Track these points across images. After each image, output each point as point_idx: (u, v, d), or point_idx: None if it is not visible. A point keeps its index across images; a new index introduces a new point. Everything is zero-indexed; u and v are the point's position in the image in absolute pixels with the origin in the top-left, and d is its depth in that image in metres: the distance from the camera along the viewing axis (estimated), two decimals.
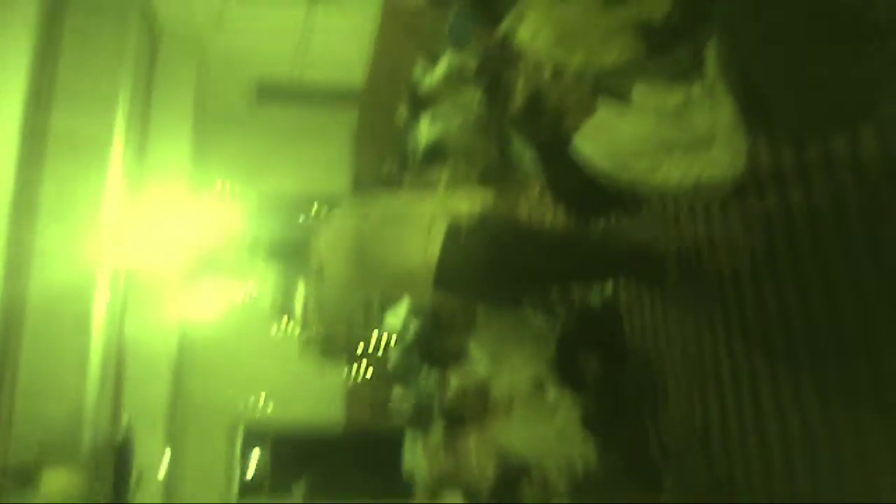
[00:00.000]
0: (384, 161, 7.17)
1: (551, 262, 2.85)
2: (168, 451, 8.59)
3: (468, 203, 2.83)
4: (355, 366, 6.32)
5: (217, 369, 9.36)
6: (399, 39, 7.52)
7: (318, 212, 3.17)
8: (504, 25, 2.92)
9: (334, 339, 5.88)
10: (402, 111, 5.91)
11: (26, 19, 6.62)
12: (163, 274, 8.30)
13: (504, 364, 3.91)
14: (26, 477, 6.09)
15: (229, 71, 10.17)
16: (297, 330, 5.75)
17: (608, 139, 2.35)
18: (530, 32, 2.64)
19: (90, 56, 7.38)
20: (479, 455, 4.21)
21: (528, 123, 2.93)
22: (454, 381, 4.64)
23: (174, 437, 8.88)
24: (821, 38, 1.81)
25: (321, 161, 10.49)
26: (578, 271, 3.04)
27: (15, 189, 6.42)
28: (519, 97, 2.99)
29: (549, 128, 2.63)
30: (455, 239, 2.70)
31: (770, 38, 1.92)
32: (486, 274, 2.79)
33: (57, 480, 6.18)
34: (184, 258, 8.44)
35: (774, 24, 1.89)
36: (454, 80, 5.06)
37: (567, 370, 3.60)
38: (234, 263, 8.13)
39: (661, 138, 2.26)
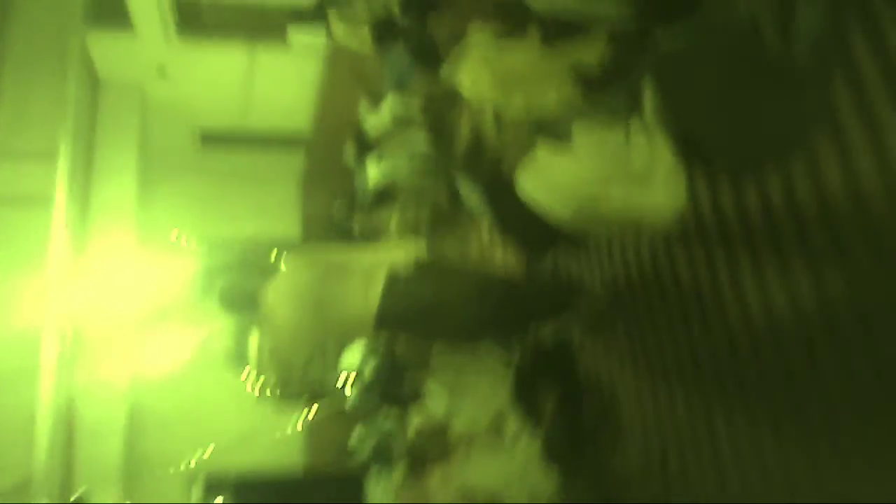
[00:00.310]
0: (333, 204, 7.18)
1: (488, 307, 2.93)
2: None
3: (406, 252, 2.91)
4: (313, 408, 6.26)
5: (172, 419, 9.15)
6: (344, 82, 7.57)
7: (270, 258, 3.19)
8: (444, 70, 2.99)
9: (290, 384, 5.82)
10: (350, 153, 5.95)
11: None
12: (112, 326, 8.14)
13: (464, 399, 3.94)
14: None
15: (173, 118, 10.06)
16: (252, 376, 5.68)
17: (548, 176, 2.41)
18: (470, 77, 2.72)
19: (29, 108, 7.28)
20: (442, 492, 4.21)
21: (472, 163, 3.00)
22: (414, 419, 4.65)
23: (131, 492, 8.64)
24: (745, 81, 1.90)
25: (269, 206, 10.45)
26: (516, 314, 3.12)
27: None
28: (462, 137, 3.06)
29: (491, 167, 2.69)
30: (395, 287, 2.78)
31: (698, 79, 2.02)
32: (427, 319, 2.87)
33: None
34: (133, 309, 8.29)
35: (702, 67, 1.99)
36: (399, 121, 5.12)
37: (526, 403, 3.65)
38: (184, 312, 8.02)
39: (600, 175, 2.33)
